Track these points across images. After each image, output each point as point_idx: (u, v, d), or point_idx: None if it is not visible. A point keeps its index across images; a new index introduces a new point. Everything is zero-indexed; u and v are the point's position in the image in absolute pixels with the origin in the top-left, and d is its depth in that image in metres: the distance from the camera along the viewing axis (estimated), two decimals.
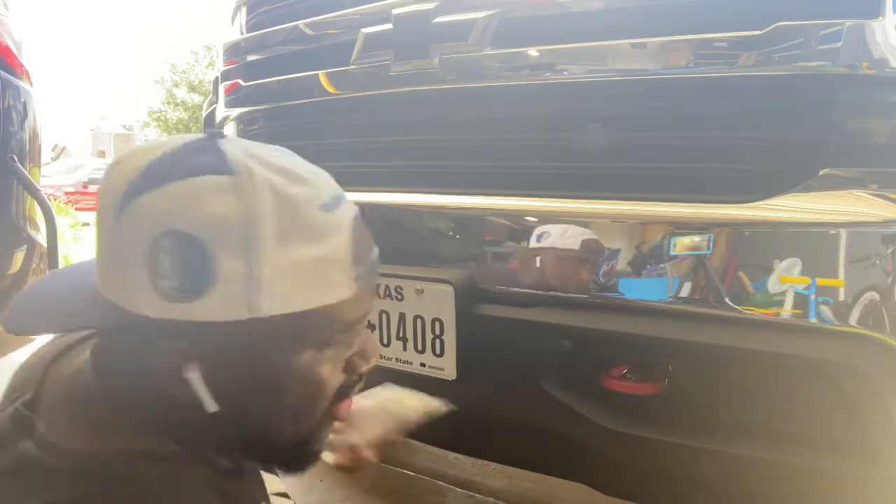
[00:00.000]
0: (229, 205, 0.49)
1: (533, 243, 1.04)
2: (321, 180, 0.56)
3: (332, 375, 0.58)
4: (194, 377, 0.52)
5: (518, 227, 1.09)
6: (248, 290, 0.50)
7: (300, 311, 0.52)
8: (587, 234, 1.01)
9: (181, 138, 0.55)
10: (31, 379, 0.60)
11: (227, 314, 0.50)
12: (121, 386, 0.55)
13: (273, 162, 0.53)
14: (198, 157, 0.52)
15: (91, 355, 0.59)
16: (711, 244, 0.91)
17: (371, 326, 1.18)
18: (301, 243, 0.51)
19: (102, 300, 0.53)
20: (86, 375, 0.58)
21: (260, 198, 0.50)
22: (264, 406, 0.56)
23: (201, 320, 0.50)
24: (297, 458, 0.63)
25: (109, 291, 0.52)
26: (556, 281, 1.03)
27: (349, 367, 0.60)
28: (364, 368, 0.62)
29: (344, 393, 0.61)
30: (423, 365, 1.12)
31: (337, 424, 0.76)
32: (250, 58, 1.54)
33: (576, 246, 1.01)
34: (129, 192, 0.50)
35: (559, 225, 1.03)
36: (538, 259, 1.04)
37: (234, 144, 0.53)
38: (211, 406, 0.53)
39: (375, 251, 0.60)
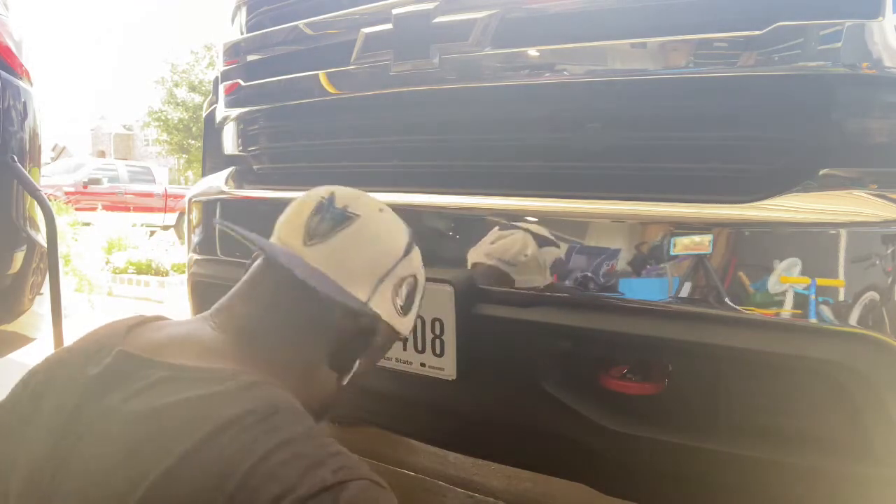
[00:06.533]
0: (417, 265, 0.89)
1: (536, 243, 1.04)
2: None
3: None
4: (357, 364, 0.82)
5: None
6: (415, 316, 0.91)
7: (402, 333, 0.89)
8: (582, 234, 1.01)
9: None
10: (109, 345, 0.73)
11: (405, 329, 0.88)
12: (276, 338, 0.77)
13: None
14: (407, 231, 0.89)
15: (272, 303, 0.79)
16: (711, 244, 0.90)
17: None
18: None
19: (324, 278, 0.77)
20: (206, 331, 0.76)
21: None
22: (347, 386, 0.85)
23: (396, 327, 0.85)
24: (319, 416, 0.83)
25: (354, 286, 0.79)
26: (552, 279, 1.03)
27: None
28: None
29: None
30: (423, 365, 1.12)
31: None
32: (250, 58, 1.54)
33: (570, 246, 1.01)
34: (408, 246, 0.86)
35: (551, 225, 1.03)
36: (537, 259, 1.04)
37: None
38: (346, 380, 0.83)
39: None
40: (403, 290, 0.84)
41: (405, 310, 0.86)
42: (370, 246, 0.82)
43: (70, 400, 0.69)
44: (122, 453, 0.63)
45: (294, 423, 0.66)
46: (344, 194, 0.84)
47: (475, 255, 1.09)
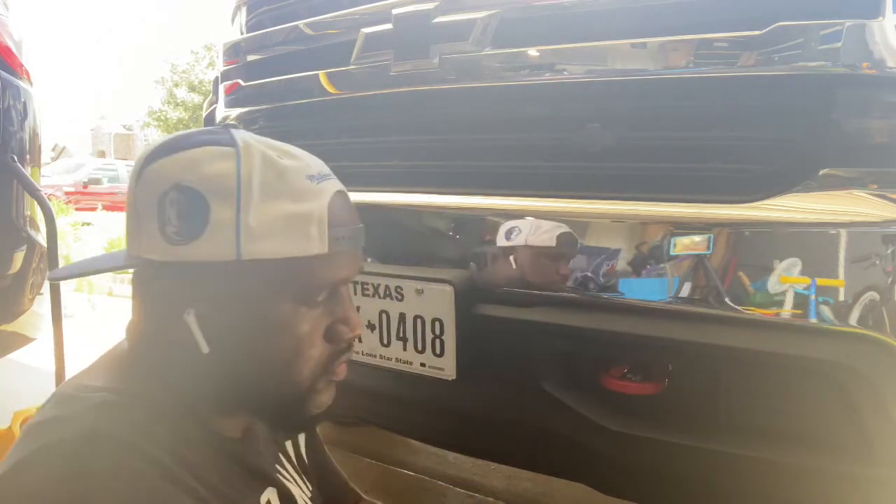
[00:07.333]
0: (226, 166, 0.60)
1: (526, 241, 1.04)
2: (312, 160, 0.66)
3: (312, 335, 0.65)
4: (190, 319, 0.61)
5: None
6: (236, 235, 0.59)
7: (280, 259, 0.60)
8: (583, 232, 1.01)
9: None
10: None
11: (217, 255, 0.59)
12: (138, 328, 0.66)
13: (273, 143, 0.64)
14: (207, 134, 0.63)
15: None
16: (711, 244, 0.91)
17: (371, 326, 1.18)
18: (283, 200, 0.61)
19: (127, 256, 0.63)
20: (122, 342, 0.69)
21: (251, 162, 0.60)
22: (250, 354, 0.63)
23: (196, 260, 0.59)
24: (294, 416, 0.69)
25: (131, 246, 0.63)
26: (552, 279, 1.03)
27: (333, 335, 0.66)
28: (348, 336, 0.67)
29: (336, 357, 0.68)
30: (423, 365, 1.12)
31: None
32: (250, 58, 1.54)
33: (571, 244, 1.01)
34: (147, 159, 0.61)
35: (552, 223, 1.03)
36: (537, 258, 1.04)
37: (245, 132, 0.63)
38: (203, 347, 0.61)
39: (360, 225, 0.68)
40: (170, 211, 0.59)
41: (183, 233, 0.59)
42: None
43: None
44: None
45: (95, 459, 0.55)
46: None
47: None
